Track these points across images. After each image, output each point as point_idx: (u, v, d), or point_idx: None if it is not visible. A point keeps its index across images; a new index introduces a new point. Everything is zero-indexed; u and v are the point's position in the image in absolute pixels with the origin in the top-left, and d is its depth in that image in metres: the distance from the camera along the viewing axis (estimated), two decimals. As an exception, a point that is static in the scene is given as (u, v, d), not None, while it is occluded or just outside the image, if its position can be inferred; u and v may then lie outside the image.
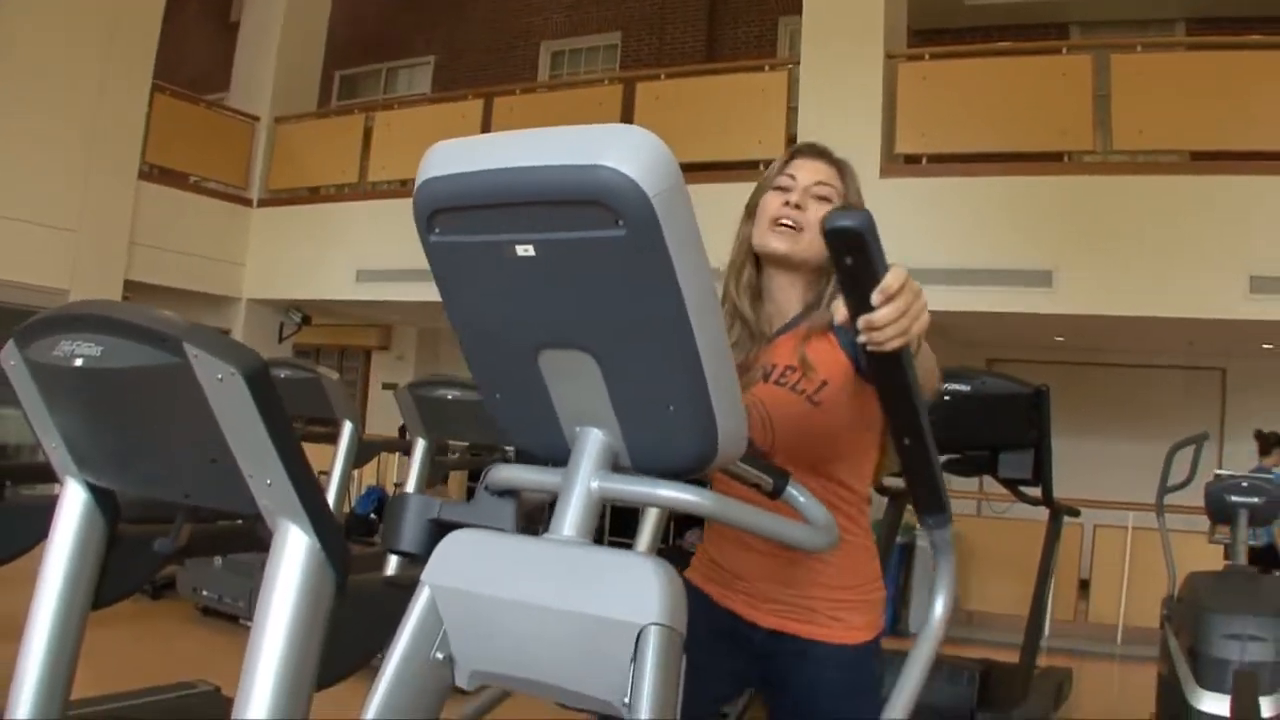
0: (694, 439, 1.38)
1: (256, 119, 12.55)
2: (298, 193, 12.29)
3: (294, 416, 7.46)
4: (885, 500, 5.31)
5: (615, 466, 1.45)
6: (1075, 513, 6.05)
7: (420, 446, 5.60)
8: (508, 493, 1.54)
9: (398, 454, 9.08)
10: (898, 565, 8.88)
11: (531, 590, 1.38)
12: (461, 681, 1.47)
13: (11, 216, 9.75)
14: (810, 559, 2.06)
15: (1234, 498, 5.26)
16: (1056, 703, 5.87)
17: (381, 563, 4.65)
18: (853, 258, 1.43)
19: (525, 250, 1.31)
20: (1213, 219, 7.93)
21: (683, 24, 14.28)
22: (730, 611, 2.18)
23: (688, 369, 1.33)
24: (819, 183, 2.17)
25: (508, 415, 1.54)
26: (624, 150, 1.23)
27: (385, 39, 15.99)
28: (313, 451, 6.54)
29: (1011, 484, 5.17)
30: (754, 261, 2.22)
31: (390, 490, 10.72)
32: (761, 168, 8.53)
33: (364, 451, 7.00)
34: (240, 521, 2.83)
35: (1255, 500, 5.23)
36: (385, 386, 14.20)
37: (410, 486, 5.28)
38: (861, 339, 1.52)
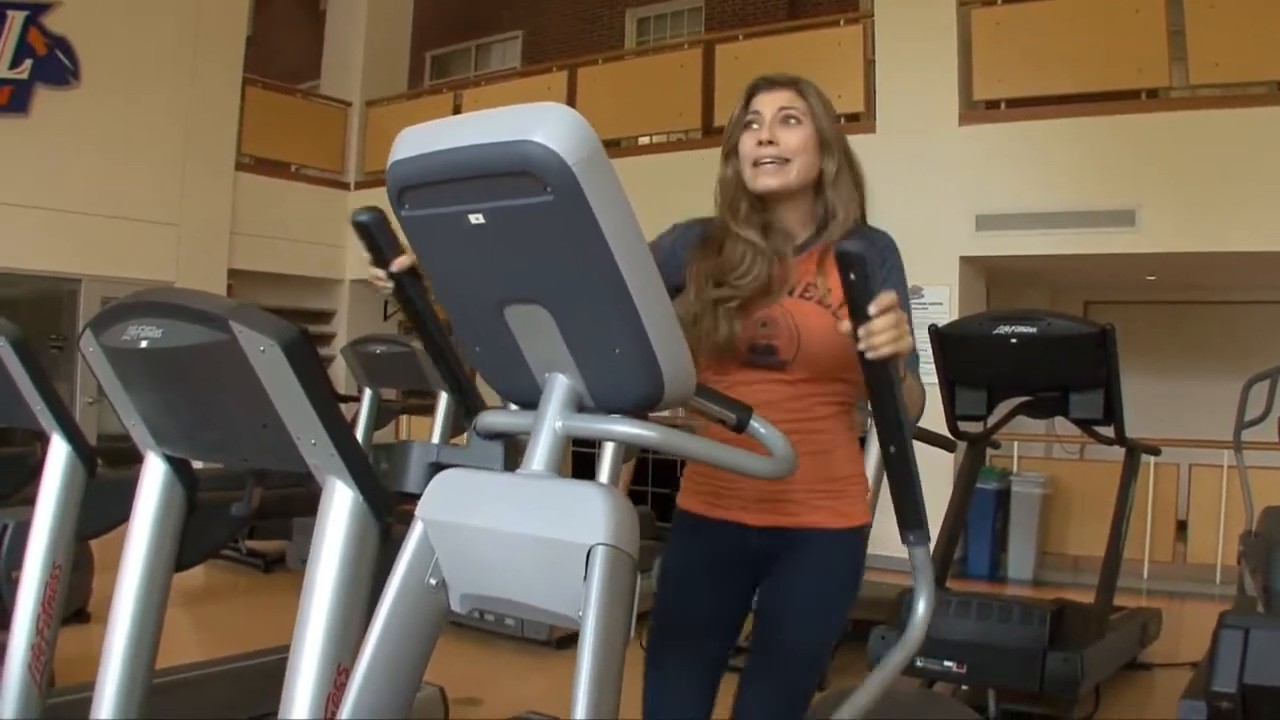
0: (641, 379, 1.56)
1: (349, 104, 12.91)
2: (394, 174, 12.50)
3: (393, 389, 7.75)
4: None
5: (581, 407, 1.64)
6: (1155, 451, 6.03)
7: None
8: (496, 435, 1.73)
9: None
10: (994, 511, 8.91)
11: (503, 519, 1.57)
12: (455, 604, 1.66)
13: (115, 215, 10.21)
14: (819, 457, 2.26)
15: (1311, 428, 5.21)
16: (1142, 642, 5.86)
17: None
18: (855, 275, 1.74)
19: (477, 219, 1.51)
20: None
21: (765, -17, 14.22)
22: (724, 521, 2.34)
23: (626, 315, 1.51)
24: (782, 108, 2.29)
25: (487, 366, 1.73)
26: (548, 126, 1.40)
27: (472, 17, 16.15)
28: (417, 424, 6.82)
29: (1084, 424, 5.20)
30: (748, 196, 2.33)
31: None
32: (843, 121, 8.58)
33: (460, 422, 7.25)
34: (303, 488, 3.02)
35: None
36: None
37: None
38: (861, 346, 1.81)
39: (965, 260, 9.00)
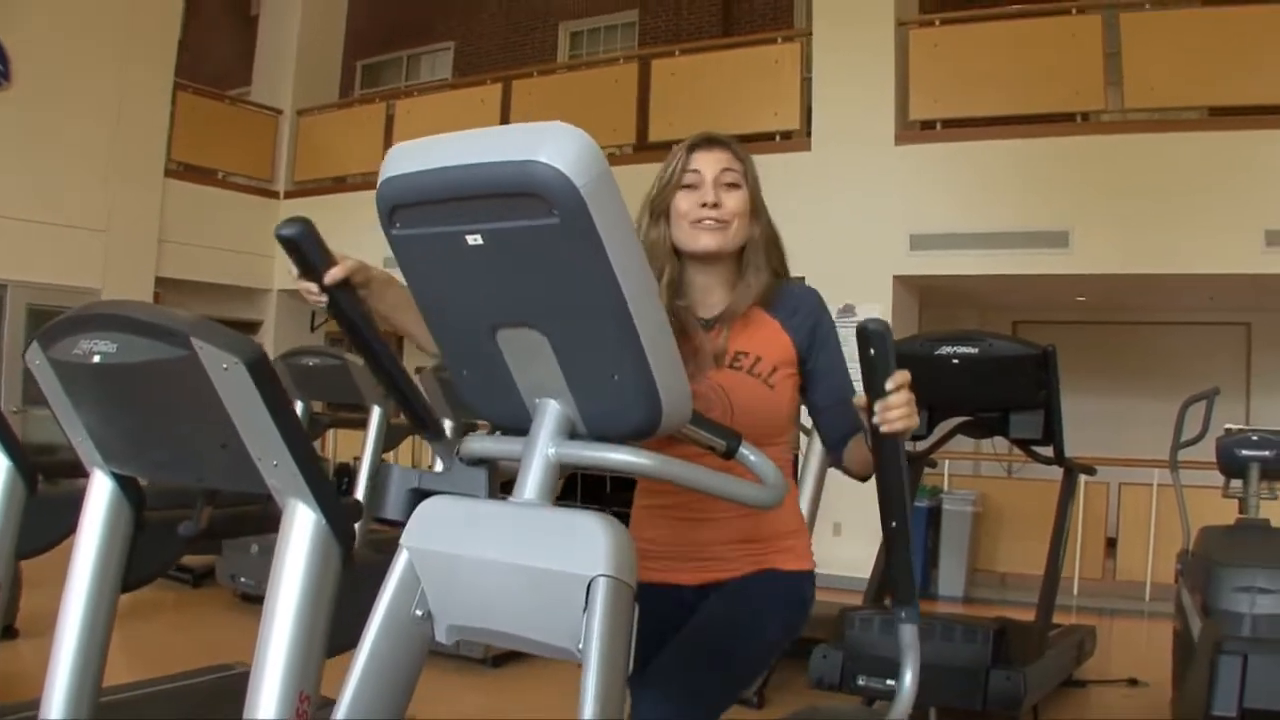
0: (640, 406, 1.52)
1: (280, 112, 12.77)
2: (323, 183, 12.46)
3: (324, 403, 7.63)
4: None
5: (573, 434, 1.59)
6: (1091, 470, 6.06)
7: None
8: (481, 461, 1.68)
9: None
10: (925, 528, 8.95)
11: (496, 549, 1.53)
12: (441, 636, 1.62)
13: (42, 220, 9.99)
14: (749, 516, 2.17)
15: (1244, 452, 5.27)
16: (1078, 660, 5.90)
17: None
18: (875, 350, 1.83)
19: (475, 239, 1.46)
20: (1226, 174, 7.96)
21: (699, -1, 14.29)
22: (659, 584, 2.21)
23: (627, 341, 1.47)
24: (725, 170, 2.27)
25: (474, 391, 1.69)
26: (554, 146, 1.37)
27: (405, 26, 16.05)
28: (345, 437, 6.74)
29: (1023, 444, 5.23)
30: (675, 260, 2.29)
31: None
32: (778, 139, 8.60)
33: (393, 435, 7.16)
34: (254, 506, 2.96)
35: (1266, 454, 5.24)
36: (416, 370, 14.27)
37: None
38: (875, 420, 1.88)
39: (899, 279, 9.05)
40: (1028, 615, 5.36)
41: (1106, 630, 7.17)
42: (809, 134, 9.41)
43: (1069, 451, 5.34)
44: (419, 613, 1.61)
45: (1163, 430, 6.65)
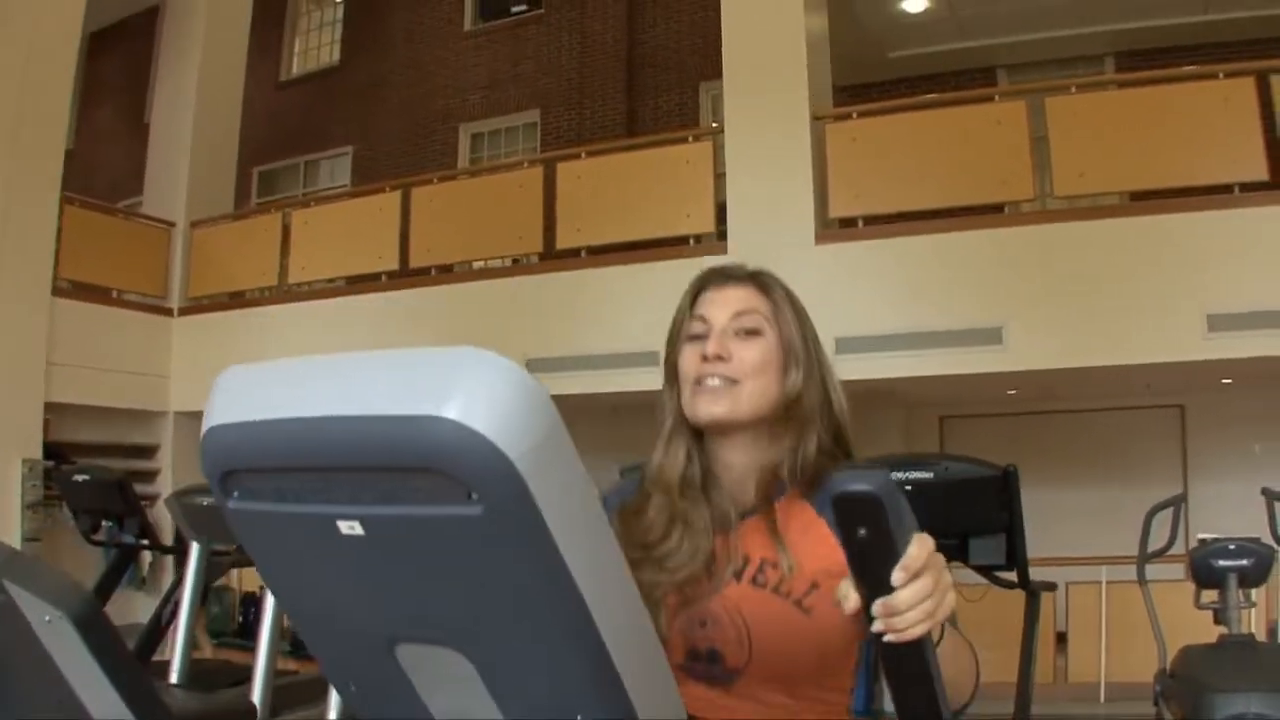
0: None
1: (172, 224, 12.17)
2: (219, 299, 11.91)
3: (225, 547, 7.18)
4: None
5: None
6: (1052, 586, 5.80)
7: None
8: None
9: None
10: (866, 642, 8.50)
11: None
12: None
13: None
14: None
15: (1222, 562, 5.02)
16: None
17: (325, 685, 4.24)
18: (868, 529, 1.11)
19: (351, 528, 0.94)
20: (1165, 259, 7.77)
21: (602, 98, 14.14)
22: None
23: (592, 665, 0.97)
24: (738, 314, 1.76)
25: (370, 712, 1.16)
26: (470, 391, 0.85)
27: (302, 131, 15.77)
28: (251, 578, 6.22)
29: (985, 569, 4.88)
30: (691, 435, 1.77)
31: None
32: (692, 242, 8.28)
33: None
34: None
35: (1245, 563, 5.01)
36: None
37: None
38: (877, 627, 1.17)
39: (828, 386, 8.63)
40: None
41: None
42: (724, 236, 9.08)
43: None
44: None
45: (1102, 519, 6.35)
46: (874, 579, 1.15)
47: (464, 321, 9.75)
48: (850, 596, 1.19)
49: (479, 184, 11.70)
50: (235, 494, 1.02)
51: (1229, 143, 7.79)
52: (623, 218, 9.25)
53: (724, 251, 8.76)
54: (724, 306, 1.77)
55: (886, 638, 1.17)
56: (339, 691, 1.16)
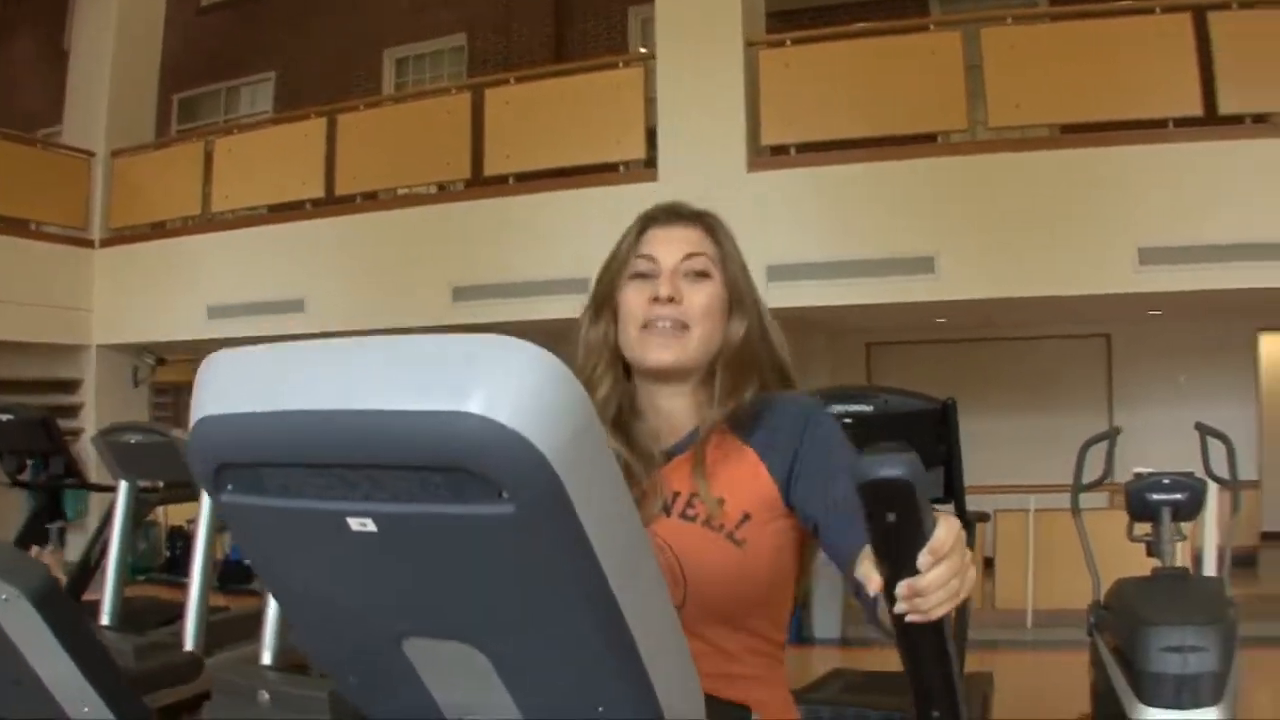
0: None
1: (92, 154, 11.89)
2: (141, 229, 11.64)
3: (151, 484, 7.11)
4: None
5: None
6: (986, 517, 5.87)
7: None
8: None
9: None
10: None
11: None
12: None
13: None
14: None
15: (1156, 496, 5.06)
16: (984, 713, 5.66)
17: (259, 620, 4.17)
18: (898, 514, 1.06)
19: (363, 525, 0.87)
20: (1098, 192, 7.78)
21: (529, 21, 13.93)
22: None
23: (617, 658, 0.92)
24: (688, 255, 1.72)
25: (369, 704, 1.09)
26: (499, 383, 0.80)
27: (223, 56, 15.37)
28: (178, 512, 6.13)
29: (924, 502, 4.90)
30: (620, 370, 1.74)
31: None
32: (622, 169, 8.19)
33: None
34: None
35: (1179, 497, 5.04)
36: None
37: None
38: (901, 608, 1.14)
39: (759, 313, 8.60)
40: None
41: (996, 666, 6.89)
42: (654, 163, 8.96)
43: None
44: None
45: (1030, 446, 6.38)
46: (900, 561, 1.12)
47: (391, 249, 9.63)
48: (872, 578, 1.16)
49: (406, 110, 11.47)
50: (229, 487, 0.95)
51: (1164, 77, 7.81)
52: (552, 143, 9.13)
53: (654, 179, 8.68)
54: (673, 246, 1.74)
55: (910, 618, 1.15)
56: (339, 685, 1.10)
